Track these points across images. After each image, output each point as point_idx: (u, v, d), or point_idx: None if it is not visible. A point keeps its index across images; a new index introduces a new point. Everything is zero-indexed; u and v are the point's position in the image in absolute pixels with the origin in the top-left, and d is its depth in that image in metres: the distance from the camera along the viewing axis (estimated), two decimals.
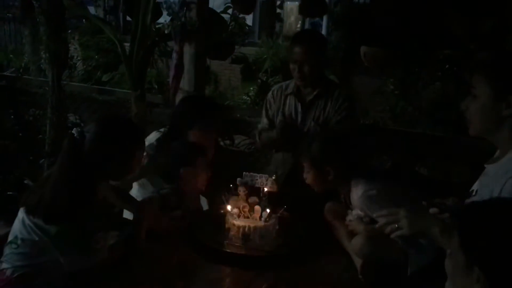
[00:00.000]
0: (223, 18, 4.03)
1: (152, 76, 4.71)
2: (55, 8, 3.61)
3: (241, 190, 2.49)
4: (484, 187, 1.61)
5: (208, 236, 2.24)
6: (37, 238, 1.78)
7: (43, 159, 3.95)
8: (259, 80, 4.57)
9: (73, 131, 1.86)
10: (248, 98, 4.75)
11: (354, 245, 2.04)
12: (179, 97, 3.65)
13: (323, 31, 7.55)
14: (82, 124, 4.30)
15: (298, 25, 10.84)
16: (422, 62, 3.93)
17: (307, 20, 9.50)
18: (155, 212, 2.23)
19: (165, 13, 4.04)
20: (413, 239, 1.92)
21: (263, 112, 3.03)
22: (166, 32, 3.68)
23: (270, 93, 3.02)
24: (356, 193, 2.13)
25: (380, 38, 3.53)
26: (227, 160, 3.60)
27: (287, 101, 2.91)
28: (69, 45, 4.14)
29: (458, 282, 1.21)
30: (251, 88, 4.77)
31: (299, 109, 2.86)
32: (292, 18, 11.35)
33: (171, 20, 3.73)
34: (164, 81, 5.04)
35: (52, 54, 3.73)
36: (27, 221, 1.80)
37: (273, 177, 2.47)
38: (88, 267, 1.83)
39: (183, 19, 3.50)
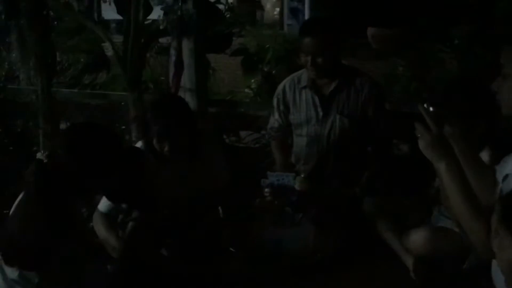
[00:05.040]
0: (218, 8, 3.86)
1: (146, 75, 4.52)
2: (39, 10, 3.41)
3: (268, 192, 2.34)
4: None
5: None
6: None
7: None
8: (262, 72, 4.42)
9: (40, 156, 1.65)
10: (250, 91, 4.60)
11: (414, 240, 1.93)
12: (181, 95, 3.49)
13: (306, 17, 7.39)
14: None
15: (275, 12, 10.61)
16: (434, 38, 3.81)
17: (286, 6, 9.16)
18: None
19: (156, 8, 3.86)
20: None
21: (274, 109, 2.91)
22: (161, 27, 3.49)
23: (280, 88, 2.89)
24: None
25: (388, 17, 3.38)
26: (237, 158, 3.44)
27: (303, 96, 2.79)
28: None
29: None
30: (252, 81, 4.63)
31: (318, 103, 2.74)
32: (269, 6, 11.15)
33: (165, 14, 3.54)
34: (159, 79, 4.85)
35: (39, 59, 3.53)
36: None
37: (302, 175, 2.33)
38: None
39: (179, 12, 3.30)
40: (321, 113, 2.71)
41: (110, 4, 4.59)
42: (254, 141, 4.10)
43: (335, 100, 2.69)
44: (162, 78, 4.96)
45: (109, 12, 6.85)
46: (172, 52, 3.43)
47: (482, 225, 1.37)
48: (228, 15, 4.21)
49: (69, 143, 1.69)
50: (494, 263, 1.51)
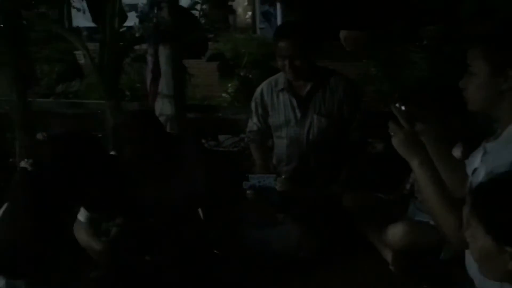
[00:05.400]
0: (193, 15, 3.91)
1: (123, 83, 4.53)
2: (14, 19, 3.39)
3: (250, 194, 2.39)
4: (483, 167, 1.58)
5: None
6: None
7: None
8: (238, 76, 4.48)
9: (24, 164, 1.61)
10: (227, 96, 4.65)
11: (392, 234, 2.01)
12: (158, 102, 3.51)
13: (278, 20, 7.47)
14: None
15: (247, 16, 10.65)
16: (404, 39, 3.93)
17: (258, 10, 9.22)
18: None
19: (131, 15, 3.88)
20: None
21: (252, 112, 2.96)
22: (137, 35, 3.51)
23: (258, 92, 2.95)
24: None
25: (359, 20, 3.49)
26: (218, 162, 3.48)
27: (280, 98, 2.84)
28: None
29: (490, 266, 1.21)
30: (229, 85, 4.68)
31: (295, 104, 2.80)
32: (240, 10, 11.19)
33: (141, 22, 3.56)
34: (135, 86, 4.86)
35: (14, 70, 3.51)
36: None
37: (283, 176, 2.39)
38: None
39: (154, 19, 3.33)
40: (299, 114, 2.77)
41: (84, 12, 4.60)
42: (233, 144, 4.16)
43: (312, 100, 2.75)
44: (138, 85, 4.99)
45: (80, 20, 6.82)
46: (149, 59, 3.46)
47: (455, 218, 1.44)
48: (203, 21, 4.25)
49: (54, 151, 1.66)
50: (467, 253, 1.60)
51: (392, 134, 1.54)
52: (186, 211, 2.36)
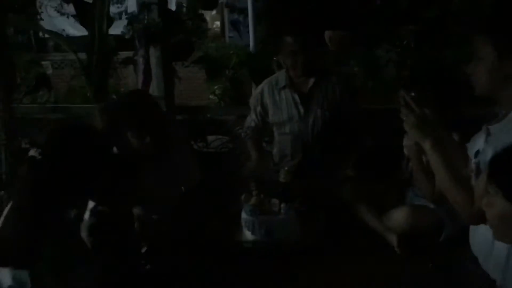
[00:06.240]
0: (180, 17, 3.95)
1: (109, 85, 4.51)
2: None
3: (252, 186, 2.46)
4: (490, 146, 1.67)
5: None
6: None
7: (1, 191, 3.66)
8: (225, 77, 4.53)
9: (32, 153, 1.59)
10: (215, 97, 4.70)
11: (396, 218, 2.10)
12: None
13: (250, 26, 7.53)
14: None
15: (214, 26, 10.70)
16: (385, 39, 4.08)
17: (226, 19, 9.21)
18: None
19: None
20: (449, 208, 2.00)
21: (251, 110, 3.03)
22: (126, 37, 3.53)
23: (258, 90, 3.03)
24: None
25: (343, 20, 3.62)
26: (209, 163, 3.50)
27: (282, 96, 2.91)
28: None
29: (506, 229, 1.30)
30: (215, 87, 4.73)
31: (298, 100, 2.87)
32: (208, 19, 11.25)
33: (129, 24, 3.59)
34: (121, 89, 4.85)
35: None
36: None
37: (286, 168, 2.45)
38: None
39: (145, 21, 3.37)
40: (302, 110, 2.83)
41: (68, 17, 4.59)
42: (221, 145, 4.19)
43: (315, 96, 2.83)
44: (122, 89, 4.98)
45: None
46: (140, 60, 3.50)
47: (467, 194, 1.55)
48: (190, 24, 4.31)
49: (59, 142, 1.64)
50: (472, 229, 1.70)
51: (404, 118, 1.61)
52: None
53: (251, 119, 3.03)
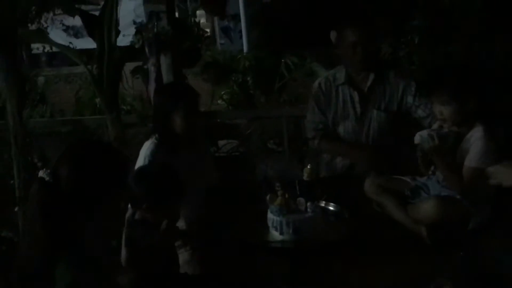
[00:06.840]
0: (187, 24, 3.99)
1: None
2: (9, 37, 3.37)
3: (277, 186, 2.46)
4: None
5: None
6: None
7: (17, 207, 3.67)
8: (234, 82, 4.56)
9: (42, 174, 1.55)
10: (223, 103, 4.72)
11: (425, 209, 2.11)
12: None
13: (244, 33, 7.55)
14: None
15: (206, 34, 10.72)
16: (391, 35, 4.11)
17: (217, 26, 9.24)
18: None
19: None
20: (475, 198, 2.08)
21: (312, 107, 2.84)
22: (136, 46, 3.56)
23: (316, 86, 2.85)
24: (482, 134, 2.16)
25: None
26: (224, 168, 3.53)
27: (339, 93, 2.77)
28: None
29: None
30: (222, 92, 4.76)
31: (356, 98, 2.73)
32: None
33: (138, 33, 3.62)
34: (128, 101, 4.88)
35: (11, 88, 3.47)
36: None
37: (308, 166, 2.47)
38: None
39: (155, 30, 3.41)
40: (359, 110, 2.72)
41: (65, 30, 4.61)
42: (232, 149, 4.22)
43: (373, 95, 2.70)
44: (128, 99, 5.01)
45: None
46: (152, 68, 3.52)
47: None
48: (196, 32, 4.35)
49: (74, 161, 1.59)
50: None
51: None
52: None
53: (317, 122, 2.82)
